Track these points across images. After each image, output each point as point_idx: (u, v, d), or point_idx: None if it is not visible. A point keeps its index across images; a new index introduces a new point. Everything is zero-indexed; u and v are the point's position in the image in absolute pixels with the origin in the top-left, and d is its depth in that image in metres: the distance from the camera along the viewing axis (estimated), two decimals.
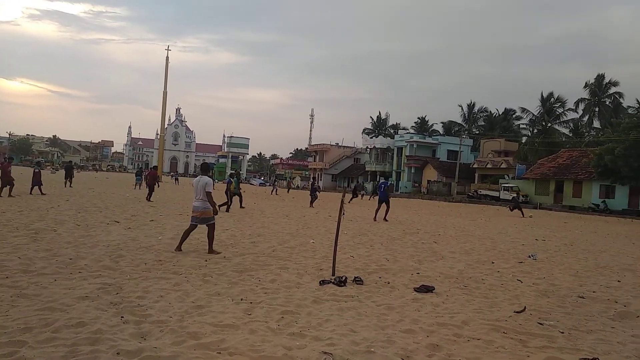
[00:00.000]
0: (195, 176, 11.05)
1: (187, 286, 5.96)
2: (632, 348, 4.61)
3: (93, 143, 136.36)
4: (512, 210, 29.73)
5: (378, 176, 69.79)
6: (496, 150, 57.62)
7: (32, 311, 4.56)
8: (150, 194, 21.19)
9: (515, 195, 34.31)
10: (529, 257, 10.51)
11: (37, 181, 19.74)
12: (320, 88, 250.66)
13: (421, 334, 4.66)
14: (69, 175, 28.18)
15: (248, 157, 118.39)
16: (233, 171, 26.67)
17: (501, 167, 54.62)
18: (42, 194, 19.43)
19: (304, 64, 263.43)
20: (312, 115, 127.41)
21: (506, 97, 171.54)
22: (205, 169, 9.15)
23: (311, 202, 26.23)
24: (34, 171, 20.21)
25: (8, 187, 17.36)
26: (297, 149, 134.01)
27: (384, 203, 18.26)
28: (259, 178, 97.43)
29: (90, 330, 4.14)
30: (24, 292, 5.19)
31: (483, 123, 73.22)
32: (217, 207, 8.86)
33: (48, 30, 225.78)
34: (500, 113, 71.43)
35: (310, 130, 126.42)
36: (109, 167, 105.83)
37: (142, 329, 4.27)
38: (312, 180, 33.91)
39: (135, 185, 33.99)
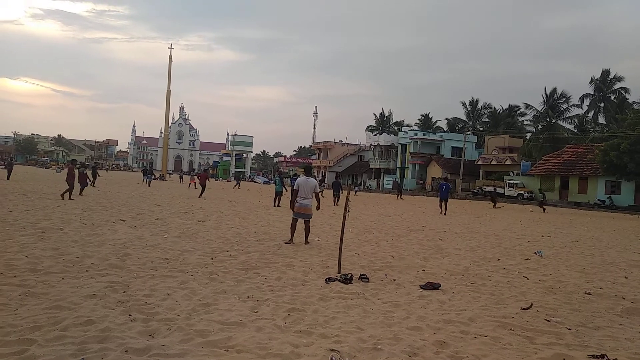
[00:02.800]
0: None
1: (193, 284, 5.98)
2: None
3: (97, 142, 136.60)
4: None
5: (382, 173, 69.77)
6: (501, 146, 57.48)
7: (41, 309, 4.58)
8: (202, 192, 24.92)
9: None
10: (535, 253, 10.48)
11: (84, 182, 20.39)
12: (323, 85, 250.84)
13: (428, 331, 4.66)
14: (94, 176, 29.00)
15: (252, 155, 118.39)
16: (279, 171, 29.68)
17: (506, 163, 54.48)
18: (80, 194, 19.55)
19: (307, 61, 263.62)
20: (315, 113, 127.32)
21: (510, 94, 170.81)
22: (309, 170, 10.38)
23: (335, 201, 25.45)
24: (80, 172, 20.64)
25: (69, 189, 17.91)
26: (301, 146, 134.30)
27: (444, 201, 22.98)
28: (263, 176, 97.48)
29: (98, 328, 4.16)
30: (32, 290, 5.22)
31: (487, 119, 72.90)
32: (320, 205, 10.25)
33: (51, 29, 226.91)
34: (504, 109, 71.19)
35: (314, 128, 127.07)
36: (113, 166, 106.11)
37: (149, 327, 4.29)
38: (335, 176, 35.03)
39: (143, 182, 35.23)
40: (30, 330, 4.02)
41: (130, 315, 4.58)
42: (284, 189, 21.92)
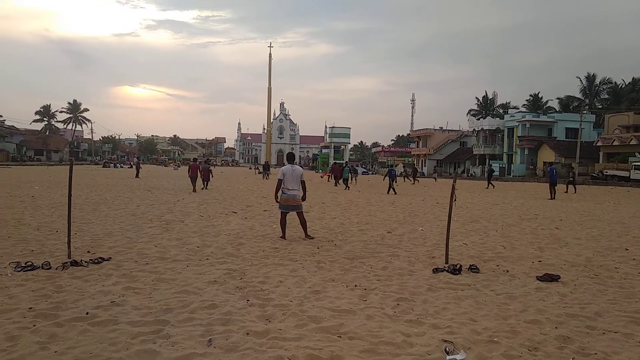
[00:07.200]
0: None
1: (303, 272, 6.22)
2: None
3: (208, 140, 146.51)
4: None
5: (487, 159, 66.36)
6: (624, 125, 51.61)
7: (171, 294, 5.07)
8: (345, 184, 28.20)
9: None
10: None
11: (207, 177, 22.68)
12: (419, 72, 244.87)
13: (548, 325, 4.39)
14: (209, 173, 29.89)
15: (350, 146, 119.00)
16: (346, 162, 40.88)
17: (630, 143, 48.82)
18: (205, 188, 22.20)
19: (401, 48, 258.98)
20: (413, 100, 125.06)
21: (633, 66, 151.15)
22: (292, 157, 9.33)
23: (390, 189, 24.58)
24: (204, 168, 22.93)
25: (205, 182, 21.65)
26: (398, 135, 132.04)
27: (553, 185, 22.76)
28: (362, 167, 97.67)
29: (221, 311, 4.50)
30: (162, 276, 5.79)
31: (607, 96, 65.85)
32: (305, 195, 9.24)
33: (163, 38, 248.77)
34: (627, 83, 63.74)
35: (412, 116, 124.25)
36: (222, 162, 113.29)
37: (266, 312, 4.55)
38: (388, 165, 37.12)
39: (255, 173, 41.03)
40: (164, 312, 4.47)
41: (248, 300, 4.89)
42: (350, 176, 29.05)
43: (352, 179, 31.12)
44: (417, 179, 41.06)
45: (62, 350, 3.54)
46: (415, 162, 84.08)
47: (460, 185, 36.23)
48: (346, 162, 45.23)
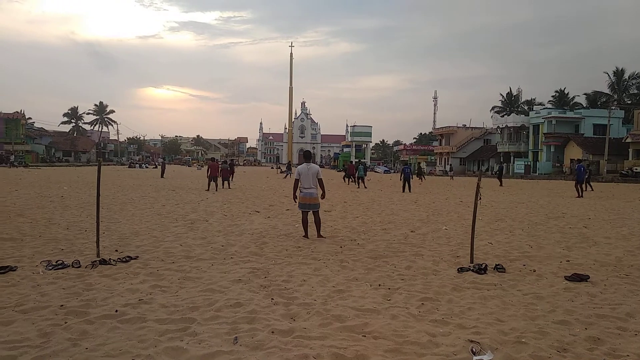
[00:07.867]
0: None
1: (326, 271, 6.23)
2: None
3: (230, 140, 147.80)
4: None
5: (512, 157, 65.23)
6: None
7: (197, 292, 5.14)
8: (359, 182, 28.36)
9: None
10: None
11: (226, 176, 23.04)
12: (441, 69, 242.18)
13: (578, 325, 4.29)
14: (230, 173, 26.54)
15: (371, 145, 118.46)
16: (358, 160, 37.37)
17: None
18: (229, 187, 22.75)
19: (422, 45, 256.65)
20: (435, 98, 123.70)
21: None
22: (309, 156, 9.27)
23: (404, 188, 24.51)
24: (223, 168, 23.15)
25: (217, 182, 21.91)
26: (421, 133, 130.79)
27: (581, 183, 22.33)
28: (384, 165, 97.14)
29: (246, 310, 4.54)
30: (188, 275, 5.88)
31: (637, 91, 63.88)
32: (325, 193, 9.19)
33: (186, 40, 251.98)
34: None
35: (434, 113, 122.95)
36: (245, 161, 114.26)
37: (290, 311, 4.58)
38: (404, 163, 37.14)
39: (278, 172, 44.08)
40: (190, 310, 4.53)
41: (272, 299, 4.92)
42: (364, 175, 28.91)
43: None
44: (422, 177, 40.09)
45: (93, 347, 3.62)
46: (437, 160, 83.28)
47: (484, 183, 35.70)
48: (358, 160, 46.56)
